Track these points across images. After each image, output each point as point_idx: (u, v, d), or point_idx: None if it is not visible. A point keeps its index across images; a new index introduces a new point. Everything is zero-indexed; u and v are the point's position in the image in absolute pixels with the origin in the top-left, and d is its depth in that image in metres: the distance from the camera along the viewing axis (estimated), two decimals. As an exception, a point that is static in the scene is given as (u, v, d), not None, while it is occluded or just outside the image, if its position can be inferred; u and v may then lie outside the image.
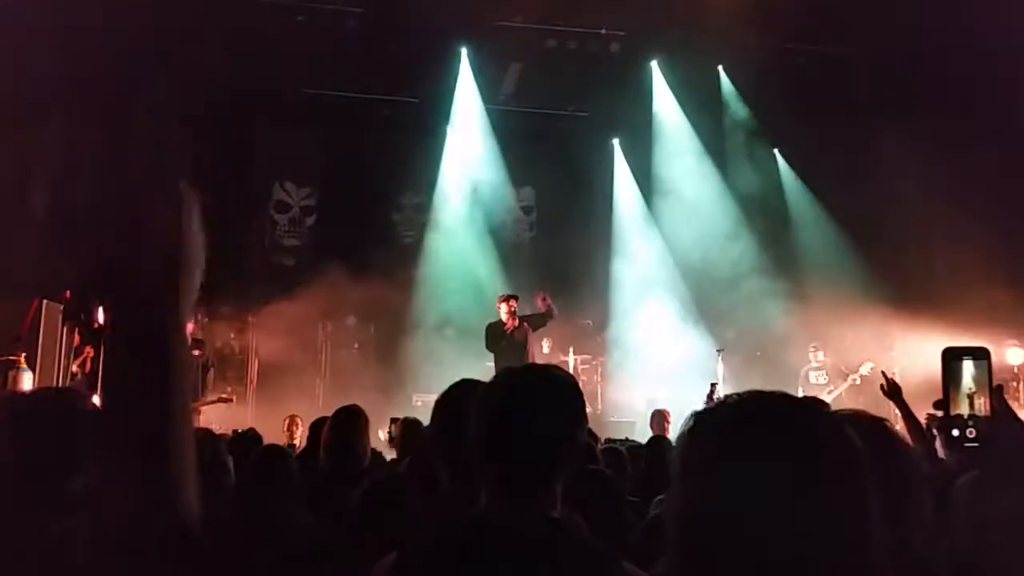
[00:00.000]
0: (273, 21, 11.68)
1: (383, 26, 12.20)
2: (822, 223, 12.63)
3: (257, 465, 3.04)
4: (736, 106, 12.92)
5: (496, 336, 9.27)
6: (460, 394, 2.02)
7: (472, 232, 12.86)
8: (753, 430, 1.00)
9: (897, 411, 3.89)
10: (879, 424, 1.56)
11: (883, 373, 3.95)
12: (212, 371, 9.05)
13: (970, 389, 1.43)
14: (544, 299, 9.50)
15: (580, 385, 1.78)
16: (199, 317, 9.48)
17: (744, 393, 1.07)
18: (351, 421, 3.68)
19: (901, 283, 11.00)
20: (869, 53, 11.72)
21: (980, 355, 1.44)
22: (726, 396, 1.09)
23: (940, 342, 1.65)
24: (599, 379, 11.82)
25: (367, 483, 2.61)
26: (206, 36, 10.97)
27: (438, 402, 2.06)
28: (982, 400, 1.43)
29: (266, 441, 5.17)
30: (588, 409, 1.92)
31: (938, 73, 10.94)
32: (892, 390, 4.11)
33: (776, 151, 13.21)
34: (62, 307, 9.50)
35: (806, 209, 12.94)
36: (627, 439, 6.52)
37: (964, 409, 1.42)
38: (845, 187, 11.96)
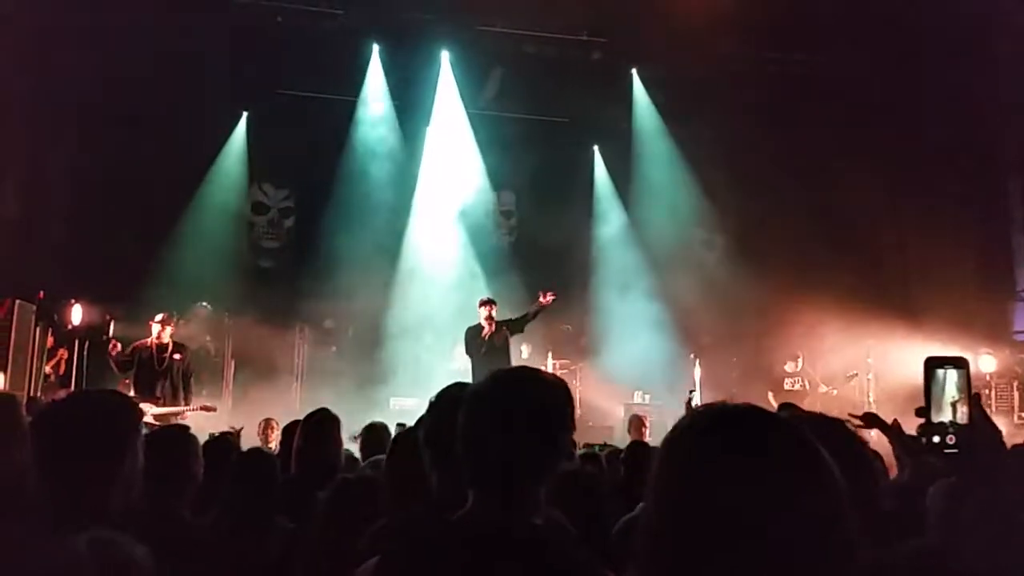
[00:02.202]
0: (252, 21, 11.62)
1: (364, 28, 12.18)
2: (798, 232, 12.73)
3: (238, 468, 2.99)
4: (714, 114, 13.01)
5: (475, 341, 9.28)
6: (454, 396, 1.99)
7: (451, 236, 12.84)
8: (729, 444, 1.01)
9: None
10: (840, 425, 1.69)
11: (850, 415, 3.99)
12: (192, 377, 8.93)
13: (952, 397, 1.47)
14: (546, 296, 9.49)
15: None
16: (177, 320, 9.35)
17: (724, 404, 1.08)
18: (322, 425, 3.64)
19: (878, 292, 11.12)
20: (846, 63, 11.85)
21: (960, 364, 1.49)
22: (705, 405, 1.09)
23: (916, 350, 1.67)
24: (578, 384, 11.82)
25: (336, 484, 2.59)
26: (184, 35, 10.91)
27: (432, 404, 2.02)
28: (961, 408, 1.47)
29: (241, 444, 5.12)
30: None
31: (914, 84, 11.10)
32: (869, 421, 4.14)
33: (753, 159, 13.31)
34: (35, 308, 9.35)
35: (782, 218, 13.04)
36: (605, 444, 6.54)
37: (946, 416, 1.46)
38: (822, 196, 12.07)
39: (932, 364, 1.49)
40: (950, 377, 1.48)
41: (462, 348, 9.65)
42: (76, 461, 1.84)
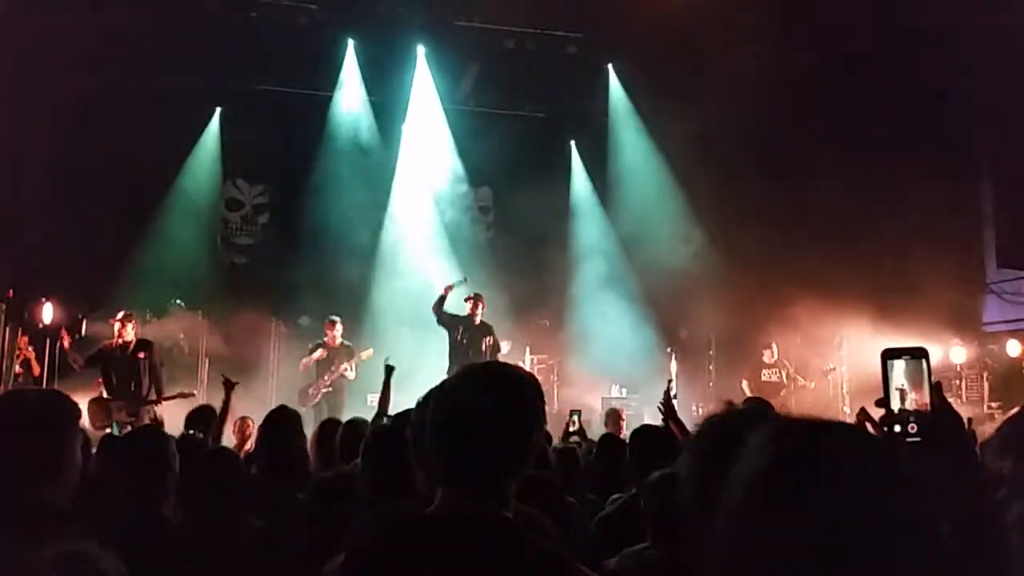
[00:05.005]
0: (226, 16, 11.49)
1: (339, 23, 12.10)
2: (774, 225, 12.82)
3: (204, 467, 2.98)
4: (690, 109, 13.05)
5: (459, 321, 9.58)
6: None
7: (429, 232, 12.80)
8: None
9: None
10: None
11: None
12: (163, 369, 8.88)
13: (907, 386, 1.48)
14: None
15: (536, 385, 1.76)
16: (148, 318, 9.26)
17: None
18: (284, 422, 3.64)
19: (852, 285, 11.23)
20: (822, 58, 11.94)
21: (918, 354, 1.49)
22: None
23: (888, 341, 1.69)
24: (555, 378, 11.86)
25: (315, 483, 2.58)
26: (157, 30, 10.78)
27: (419, 403, 2.03)
28: (921, 397, 1.48)
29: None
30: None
31: (891, 78, 11.20)
32: (862, 417, 4.21)
33: (729, 153, 13.38)
34: (4, 306, 9.21)
35: (758, 211, 13.12)
36: (578, 432, 6.57)
37: (907, 405, 1.47)
38: (799, 190, 12.15)
39: (890, 355, 1.50)
40: (909, 367, 1.48)
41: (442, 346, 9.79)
42: (13, 461, 1.80)
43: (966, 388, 10.55)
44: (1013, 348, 10.72)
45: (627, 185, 13.16)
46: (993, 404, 10.57)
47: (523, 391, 1.63)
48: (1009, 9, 9.82)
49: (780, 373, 10.72)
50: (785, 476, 0.98)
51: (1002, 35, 9.83)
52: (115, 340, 8.64)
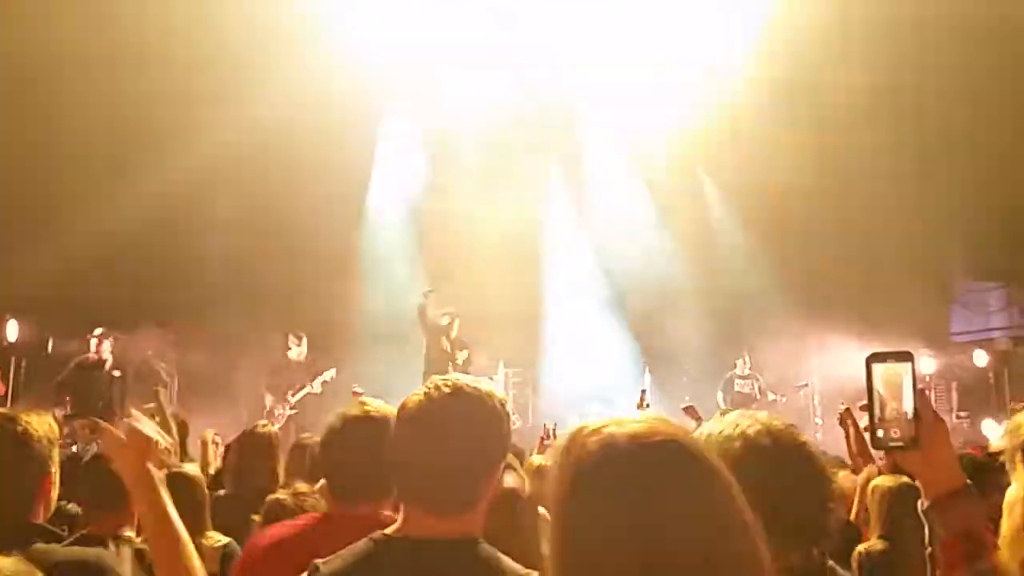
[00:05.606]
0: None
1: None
2: (745, 237, 12.94)
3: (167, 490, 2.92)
4: (663, 117, 13.14)
5: (439, 332, 9.58)
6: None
7: (403, 245, 12.74)
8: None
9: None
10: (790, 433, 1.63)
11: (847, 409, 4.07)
12: (127, 394, 8.74)
13: (885, 394, 1.46)
14: None
15: (511, 399, 1.76)
16: (116, 336, 9.11)
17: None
18: (255, 443, 3.62)
19: (819, 295, 11.35)
20: (801, 65, 12.04)
21: (903, 358, 1.47)
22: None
23: (855, 352, 1.68)
24: (530, 392, 11.84)
25: (268, 504, 2.55)
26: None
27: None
28: (900, 406, 1.45)
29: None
30: (519, 423, 1.90)
31: (861, 87, 11.34)
32: (845, 416, 4.23)
33: (699, 168, 13.50)
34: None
35: (729, 224, 13.24)
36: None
37: (888, 412, 1.45)
38: (770, 203, 12.25)
39: (874, 359, 1.47)
40: (893, 371, 1.46)
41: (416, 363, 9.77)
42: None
43: (935, 399, 10.69)
44: (980, 358, 10.89)
45: (603, 196, 13.20)
46: (962, 414, 10.72)
47: (486, 409, 1.60)
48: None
49: (753, 385, 10.78)
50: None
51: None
52: (92, 356, 8.54)
